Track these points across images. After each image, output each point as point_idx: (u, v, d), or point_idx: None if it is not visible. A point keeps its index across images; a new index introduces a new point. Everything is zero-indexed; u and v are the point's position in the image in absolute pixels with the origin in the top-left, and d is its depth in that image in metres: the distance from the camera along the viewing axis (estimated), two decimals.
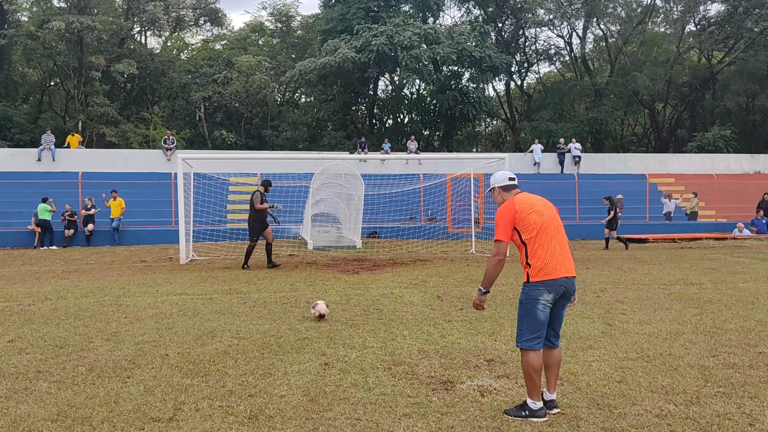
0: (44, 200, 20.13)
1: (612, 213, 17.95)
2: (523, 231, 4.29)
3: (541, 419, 4.18)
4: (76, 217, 20.82)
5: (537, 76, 48.16)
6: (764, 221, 22.47)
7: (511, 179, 4.55)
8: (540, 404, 4.23)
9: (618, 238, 18.00)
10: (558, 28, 42.18)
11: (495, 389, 4.81)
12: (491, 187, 4.61)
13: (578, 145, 30.09)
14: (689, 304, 8.39)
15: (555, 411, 4.28)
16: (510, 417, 4.23)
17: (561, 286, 4.21)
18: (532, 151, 29.99)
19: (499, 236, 4.34)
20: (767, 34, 37.30)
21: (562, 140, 30.77)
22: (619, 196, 24.68)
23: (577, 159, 29.59)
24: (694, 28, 39.84)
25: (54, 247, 19.72)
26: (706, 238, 20.60)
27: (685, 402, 4.50)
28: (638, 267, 12.86)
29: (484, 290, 4.43)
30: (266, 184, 13.46)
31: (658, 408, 4.38)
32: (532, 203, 4.34)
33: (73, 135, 28.79)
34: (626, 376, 5.13)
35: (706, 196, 27.11)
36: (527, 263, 4.27)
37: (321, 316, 7.34)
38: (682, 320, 7.30)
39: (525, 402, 4.27)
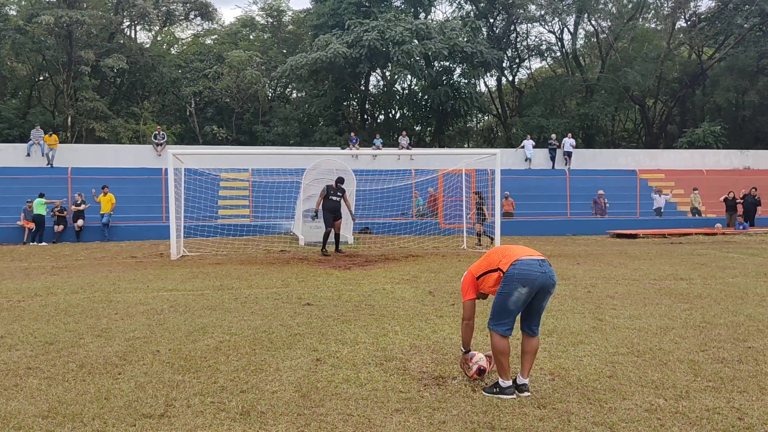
0: (41, 195, 20.10)
1: (483, 208, 18.11)
2: (486, 267, 4.68)
3: (509, 396, 4.47)
4: (65, 212, 20.71)
5: (528, 71, 48.27)
6: (743, 225, 22.57)
7: None
8: (509, 383, 4.52)
9: (477, 233, 18.10)
10: (549, 24, 42.30)
11: (486, 384, 4.82)
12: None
13: (572, 141, 30.11)
14: (679, 299, 8.44)
15: (526, 394, 4.50)
16: (484, 393, 4.58)
17: (535, 279, 4.41)
18: (523, 147, 30.05)
19: (464, 296, 4.81)
20: (757, 30, 37.48)
21: (553, 136, 30.85)
22: (600, 192, 24.87)
23: (568, 155, 29.63)
24: (685, 24, 40.02)
25: (43, 243, 19.61)
26: (695, 234, 20.74)
27: (675, 396, 4.53)
28: (629, 262, 12.92)
29: (465, 350, 4.96)
30: (337, 180, 15.32)
31: (648, 402, 4.41)
32: (484, 261, 4.78)
33: (50, 136, 26.75)
34: (616, 370, 5.16)
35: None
36: (501, 270, 4.55)
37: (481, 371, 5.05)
38: (672, 315, 7.35)
39: (497, 381, 4.58)
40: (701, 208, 25.70)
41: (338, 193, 15.07)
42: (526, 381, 4.59)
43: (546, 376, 5.03)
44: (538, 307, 4.59)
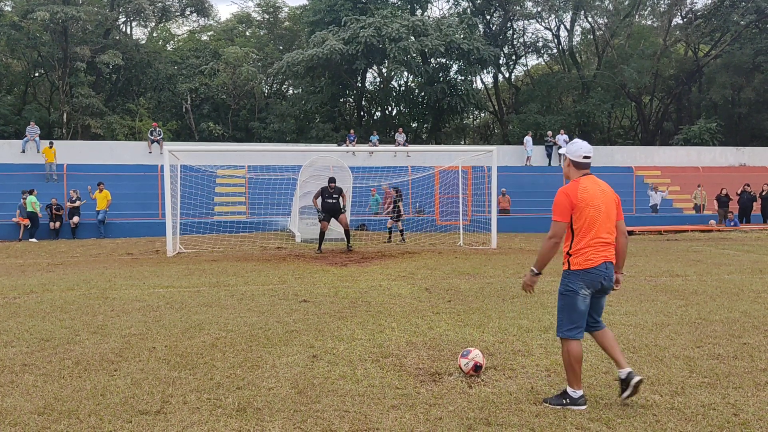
0: (31, 192, 20.06)
1: (397, 204, 18.12)
2: (575, 220, 4.28)
3: (581, 407, 4.21)
4: (62, 211, 20.66)
5: (525, 68, 48.21)
6: (734, 222, 22.69)
7: (586, 158, 4.42)
8: (580, 392, 4.25)
9: (400, 231, 18.09)
10: (546, 21, 42.23)
11: (483, 381, 4.83)
12: (564, 154, 4.52)
13: (565, 137, 30.05)
14: (674, 295, 8.46)
15: (637, 378, 4.21)
16: (549, 405, 4.27)
17: (599, 281, 4.23)
18: (525, 144, 29.93)
19: (557, 217, 4.29)
20: (753, 28, 37.52)
21: (549, 133, 30.84)
22: None
23: (560, 149, 29.48)
24: (681, 21, 40.02)
25: (33, 240, 19.54)
26: (691, 231, 20.78)
27: (671, 392, 4.54)
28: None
29: (536, 271, 4.36)
30: (330, 181, 15.15)
31: (644, 398, 4.42)
32: (593, 195, 4.27)
33: (50, 147, 25.09)
34: (612, 367, 5.14)
35: (692, 188, 27.32)
36: (568, 252, 4.28)
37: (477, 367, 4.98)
38: (668, 312, 7.37)
39: (565, 390, 4.30)
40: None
41: (334, 195, 14.93)
42: (629, 369, 4.31)
43: (542, 372, 5.04)
44: (597, 305, 4.39)
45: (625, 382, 4.25)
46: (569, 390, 4.27)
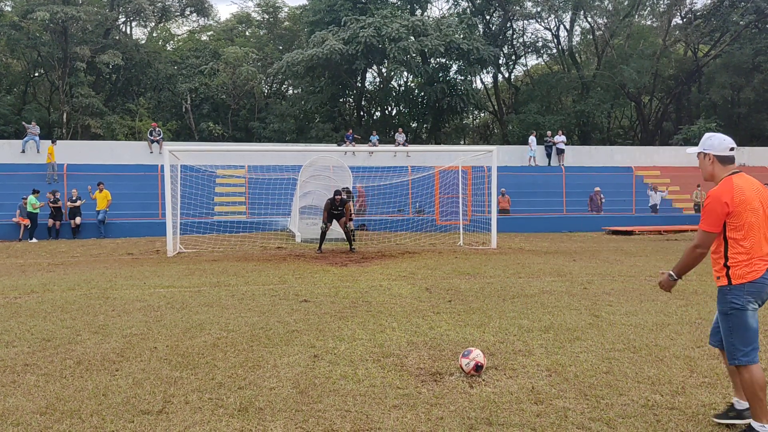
0: (34, 192, 20.07)
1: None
2: (730, 226, 3.81)
3: None
4: (59, 203, 20.62)
5: (524, 68, 48.21)
6: None
7: (732, 149, 3.90)
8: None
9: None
10: (545, 21, 42.22)
11: (484, 381, 4.84)
12: (704, 151, 3.96)
13: (563, 138, 30.05)
14: (675, 295, 8.46)
15: (748, 421, 3.84)
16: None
17: (766, 291, 3.79)
18: (530, 144, 29.88)
19: (708, 227, 3.82)
20: (752, 28, 37.53)
21: (549, 133, 30.84)
22: (597, 189, 24.91)
23: (560, 150, 29.47)
24: (681, 21, 40.02)
25: (33, 240, 19.53)
26: (691, 231, 20.79)
27: (671, 392, 4.55)
28: (624, 259, 12.95)
29: (676, 276, 4.08)
30: (336, 193, 15.38)
31: (645, 398, 4.44)
32: (750, 198, 3.79)
33: (53, 143, 25.23)
34: (613, 366, 5.18)
35: (692, 188, 27.35)
36: (726, 264, 3.85)
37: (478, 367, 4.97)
38: (668, 311, 7.38)
39: (750, 426, 3.76)
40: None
41: (340, 207, 15.26)
42: (747, 405, 3.88)
43: (543, 372, 5.05)
44: None
45: (737, 413, 3.96)
46: (756, 425, 3.70)
